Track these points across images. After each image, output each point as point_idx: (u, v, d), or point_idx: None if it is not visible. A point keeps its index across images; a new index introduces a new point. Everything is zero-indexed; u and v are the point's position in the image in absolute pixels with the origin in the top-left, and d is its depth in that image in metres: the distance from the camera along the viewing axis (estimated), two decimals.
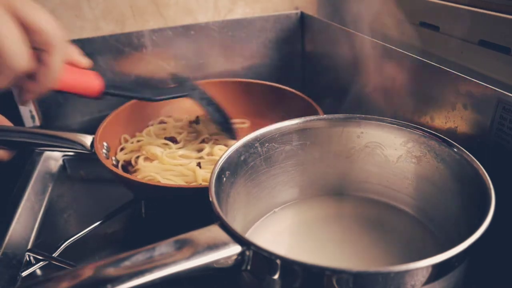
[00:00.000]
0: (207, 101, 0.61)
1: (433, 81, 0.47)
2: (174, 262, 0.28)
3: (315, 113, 0.59)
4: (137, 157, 0.58)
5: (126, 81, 0.73)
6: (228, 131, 0.61)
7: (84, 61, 0.48)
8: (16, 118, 0.70)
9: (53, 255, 0.46)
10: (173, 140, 0.61)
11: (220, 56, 0.78)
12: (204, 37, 0.75)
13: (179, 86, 0.61)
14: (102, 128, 0.56)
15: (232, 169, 0.39)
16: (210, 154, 0.58)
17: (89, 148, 0.51)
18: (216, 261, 0.29)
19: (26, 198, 0.56)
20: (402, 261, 0.27)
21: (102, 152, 0.53)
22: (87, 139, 0.52)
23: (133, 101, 0.65)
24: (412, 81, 0.51)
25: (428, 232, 0.42)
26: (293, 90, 0.68)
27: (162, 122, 0.68)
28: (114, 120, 0.60)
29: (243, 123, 0.69)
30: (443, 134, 0.40)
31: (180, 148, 0.60)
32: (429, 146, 0.41)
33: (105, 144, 0.56)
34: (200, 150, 0.59)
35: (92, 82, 0.48)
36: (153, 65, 0.74)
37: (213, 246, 0.29)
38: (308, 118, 0.44)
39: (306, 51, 0.81)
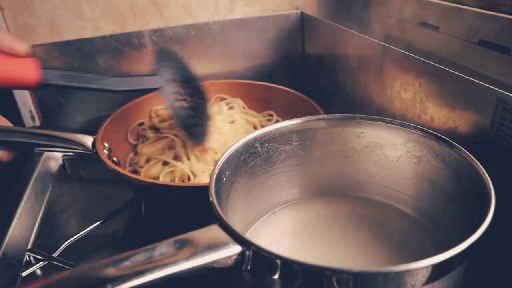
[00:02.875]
0: (179, 98, 0.54)
1: (433, 81, 0.47)
2: (174, 262, 0.28)
3: (316, 113, 0.59)
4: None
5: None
6: (194, 135, 0.54)
7: (20, 47, 0.42)
8: (16, 118, 0.70)
9: (53, 255, 0.46)
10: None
11: (220, 56, 0.78)
12: (204, 37, 0.75)
13: (153, 76, 0.52)
14: (103, 129, 0.56)
15: (232, 169, 0.39)
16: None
17: (91, 148, 0.51)
18: (216, 261, 0.29)
19: (26, 198, 0.56)
20: (402, 261, 0.27)
21: (103, 152, 0.53)
22: (88, 140, 0.52)
23: (133, 101, 0.65)
24: (412, 81, 0.51)
25: (428, 232, 0.42)
26: (293, 91, 0.68)
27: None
28: (115, 120, 0.60)
29: (270, 115, 0.69)
30: (443, 134, 0.40)
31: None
32: (429, 146, 0.41)
33: (106, 144, 0.56)
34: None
35: (24, 72, 0.42)
36: (153, 65, 0.74)
37: (213, 246, 0.29)
38: (308, 118, 0.44)
39: (306, 51, 0.81)
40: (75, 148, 0.51)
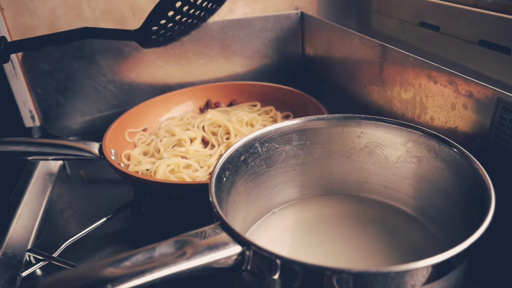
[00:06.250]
0: None
1: (433, 81, 0.47)
2: (174, 262, 0.28)
3: (319, 111, 0.59)
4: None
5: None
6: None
7: None
8: (16, 118, 0.70)
9: (53, 255, 0.46)
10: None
11: (220, 56, 0.78)
12: (204, 37, 0.75)
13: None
14: (108, 134, 0.56)
15: (232, 169, 0.39)
16: None
17: (98, 154, 0.53)
18: (216, 261, 0.29)
19: (26, 198, 0.56)
20: (402, 261, 0.27)
21: (112, 158, 0.53)
22: (95, 146, 0.53)
23: (137, 106, 0.65)
24: (412, 81, 0.51)
25: (428, 232, 0.42)
26: (296, 90, 0.68)
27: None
28: (119, 125, 0.60)
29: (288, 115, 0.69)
30: (443, 134, 0.40)
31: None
32: (429, 146, 0.41)
33: (112, 150, 0.56)
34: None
35: None
36: (153, 65, 0.74)
37: (213, 246, 0.29)
38: (308, 118, 0.44)
39: (306, 51, 0.81)
40: (82, 156, 0.52)
